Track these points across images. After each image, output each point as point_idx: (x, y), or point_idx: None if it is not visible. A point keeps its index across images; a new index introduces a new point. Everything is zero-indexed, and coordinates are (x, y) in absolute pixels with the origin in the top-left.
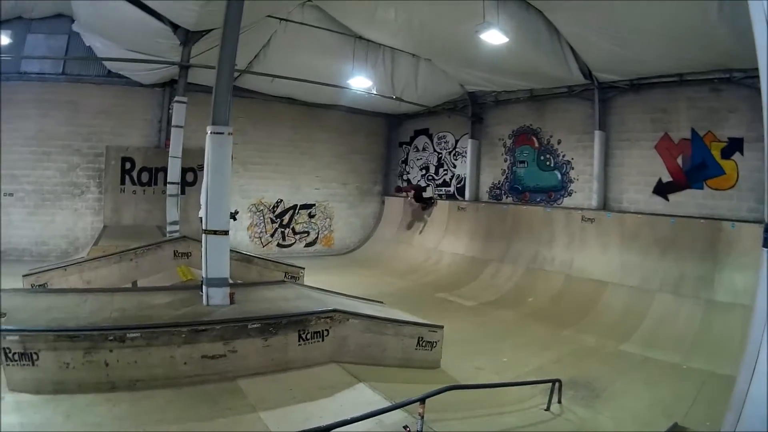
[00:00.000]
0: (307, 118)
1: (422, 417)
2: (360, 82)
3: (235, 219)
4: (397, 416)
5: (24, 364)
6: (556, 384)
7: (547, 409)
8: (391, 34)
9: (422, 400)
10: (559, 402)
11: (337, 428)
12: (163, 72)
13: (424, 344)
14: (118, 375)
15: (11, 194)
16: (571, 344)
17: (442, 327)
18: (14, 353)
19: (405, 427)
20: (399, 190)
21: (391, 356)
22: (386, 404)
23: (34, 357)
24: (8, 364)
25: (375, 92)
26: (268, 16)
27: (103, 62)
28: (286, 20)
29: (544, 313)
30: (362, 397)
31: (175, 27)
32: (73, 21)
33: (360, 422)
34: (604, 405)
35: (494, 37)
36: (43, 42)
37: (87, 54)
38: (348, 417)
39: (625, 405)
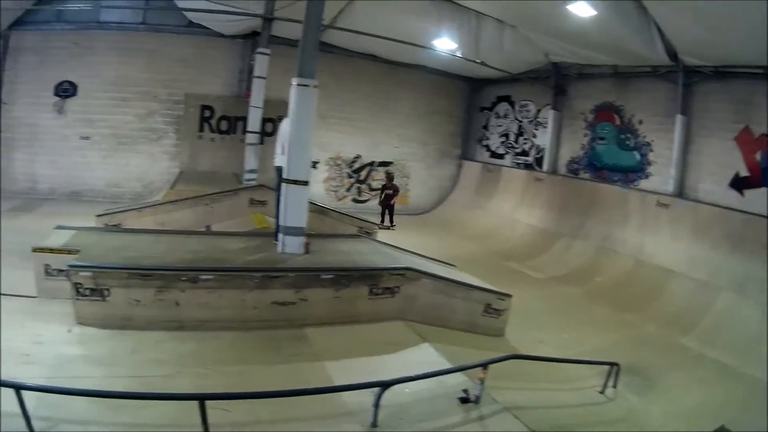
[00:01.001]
0: (389, 76)
1: (482, 382)
2: (444, 44)
3: (315, 168)
4: (458, 379)
5: (94, 300)
6: (614, 368)
7: (602, 392)
8: None
9: (484, 366)
10: (614, 386)
11: (398, 384)
12: (245, 23)
13: (490, 311)
14: (187, 315)
15: (87, 137)
16: (632, 329)
17: (510, 296)
18: (86, 288)
19: (464, 390)
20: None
21: (458, 319)
22: (448, 366)
23: (105, 293)
24: (78, 299)
25: (459, 55)
26: None
27: (184, 12)
28: None
29: (610, 294)
30: (425, 356)
31: None
32: None
33: (421, 381)
34: (656, 396)
35: (582, 9)
36: None
37: (167, 4)
38: (410, 374)
39: (677, 399)
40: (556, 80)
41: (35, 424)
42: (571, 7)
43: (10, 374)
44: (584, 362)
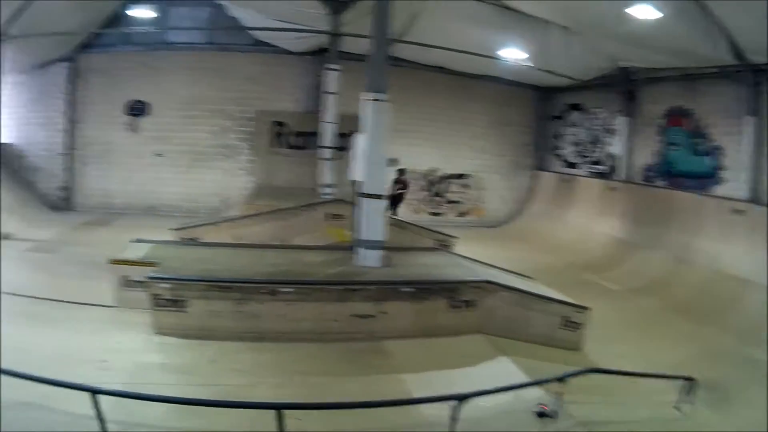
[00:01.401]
0: (459, 87)
1: (560, 397)
2: (512, 53)
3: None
4: (535, 393)
5: (173, 310)
6: (690, 383)
7: (678, 407)
8: (540, 5)
9: (561, 380)
10: (690, 402)
11: (475, 397)
12: (313, 40)
13: (568, 324)
14: (266, 326)
15: (161, 154)
16: (709, 342)
17: (587, 309)
18: (165, 299)
19: (540, 404)
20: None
21: (535, 333)
22: (525, 379)
23: (185, 304)
24: (158, 310)
25: (527, 64)
26: None
27: (250, 31)
28: None
29: (687, 305)
30: (503, 369)
31: None
32: None
33: (499, 394)
34: (734, 414)
35: (646, 11)
36: (187, 14)
37: (233, 24)
38: (487, 387)
39: (755, 416)
40: (625, 86)
41: (110, 427)
42: (635, 10)
43: (88, 379)
44: (659, 376)
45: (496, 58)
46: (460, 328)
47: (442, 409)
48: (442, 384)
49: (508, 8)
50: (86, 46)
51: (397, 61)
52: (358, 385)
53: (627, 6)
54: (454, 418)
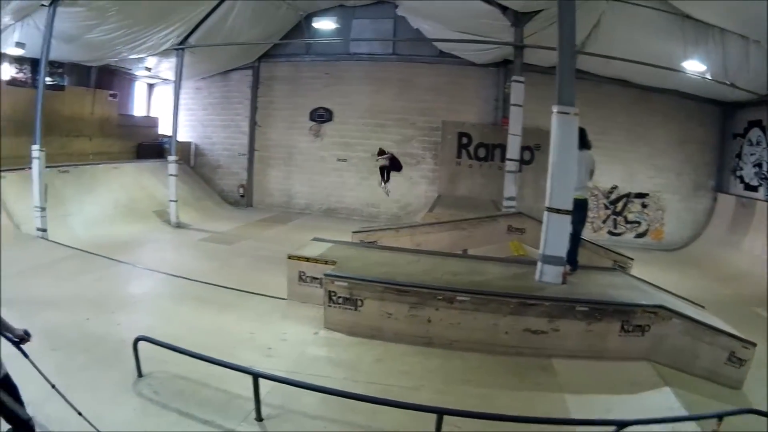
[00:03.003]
0: (642, 102)
1: None
2: (691, 65)
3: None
4: (691, 427)
5: (346, 308)
6: None
7: None
8: (716, 11)
9: (719, 417)
10: None
11: (635, 425)
12: (496, 52)
13: (733, 360)
14: (437, 332)
15: (345, 160)
16: None
17: (755, 345)
18: (339, 297)
19: None
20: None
21: (699, 365)
22: (684, 413)
23: (358, 303)
24: (330, 306)
25: (708, 77)
26: None
27: (434, 43)
28: None
29: None
30: (663, 400)
31: (503, 8)
32: (396, 6)
33: (655, 425)
34: None
35: None
36: (369, 26)
37: (415, 35)
38: (646, 417)
39: None
40: None
41: (264, 410)
42: None
43: (252, 364)
44: None
45: (676, 71)
46: (628, 353)
47: None
48: (602, 408)
49: (687, 17)
50: (265, 56)
51: (580, 74)
52: (520, 400)
53: None
54: None
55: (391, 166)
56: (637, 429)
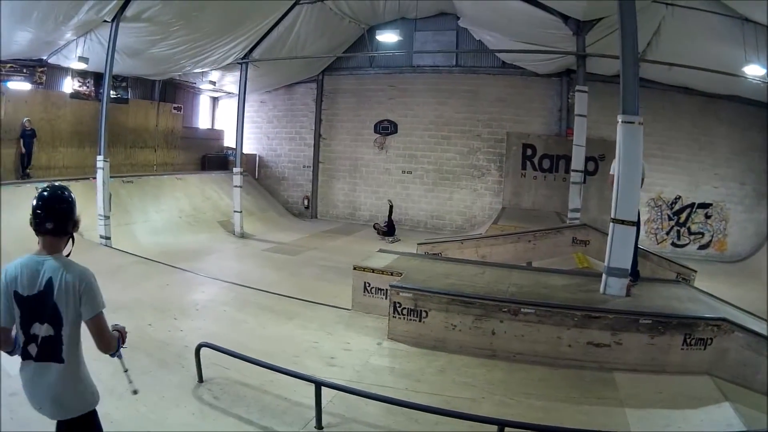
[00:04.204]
0: (705, 110)
1: None
2: (752, 70)
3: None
4: None
5: (411, 319)
6: None
7: None
8: None
9: None
10: None
11: None
12: (559, 62)
13: None
14: (501, 345)
15: (410, 172)
16: None
17: None
18: (404, 308)
19: None
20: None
21: (761, 380)
22: (743, 428)
23: (423, 314)
24: (395, 317)
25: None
26: (653, 0)
27: (497, 54)
28: (672, 4)
29: None
30: (724, 416)
31: (564, 18)
32: (458, 18)
33: None
34: None
35: None
36: (431, 38)
37: (478, 47)
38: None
39: None
40: None
41: (324, 418)
42: None
43: (315, 373)
44: None
45: (737, 75)
46: (690, 367)
47: None
48: (662, 423)
49: (747, 20)
50: (328, 69)
51: (643, 82)
52: (582, 413)
53: None
54: None
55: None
56: None
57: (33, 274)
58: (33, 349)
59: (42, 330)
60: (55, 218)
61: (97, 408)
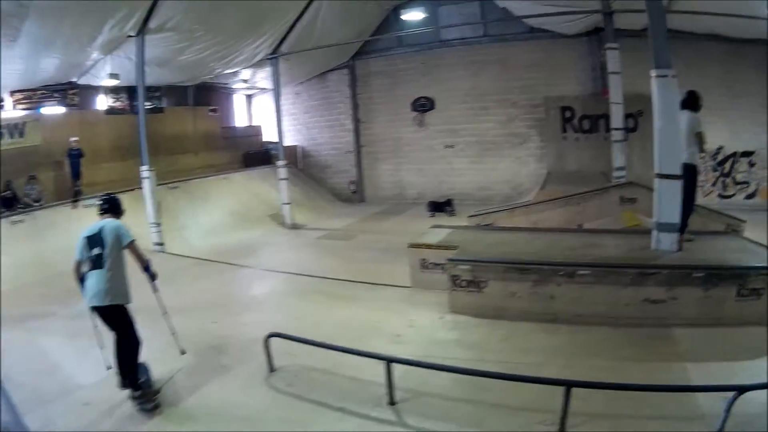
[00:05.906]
0: (736, 56)
1: None
2: None
3: None
4: None
5: (470, 291)
6: None
7: None
8: None
9: None
10: None
11: (754, 390)
12: (586, 21)
13: None
14: (560, 308)
15: (452, 146)
16: None
17: None
18: (463, 280)
19: None
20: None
21: None
22: None
23: (482, 285)
24: (455, 290)
25: None
26: None
27: (523, 20)
28: None
29: None
30: None
31: None
32: None
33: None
34: None
35: None
36: (456, 11)
37: (503, 15)
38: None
39: None
40: None
41: (396, 394)
42: None
43: (383, 351)
44: None
45: (763, 18)
46: (745, 319)
47: (717, 401)
48: (722, 376)
49: None
50: (358, 53)
51: (671, 33)
52: (644, 371)
53: None
54: (728, 410)
55: None
56: (756, 394)
57: (94, 227)
58: (90, 264)
59: (95, 252)
60: (102, 207)
61: None
